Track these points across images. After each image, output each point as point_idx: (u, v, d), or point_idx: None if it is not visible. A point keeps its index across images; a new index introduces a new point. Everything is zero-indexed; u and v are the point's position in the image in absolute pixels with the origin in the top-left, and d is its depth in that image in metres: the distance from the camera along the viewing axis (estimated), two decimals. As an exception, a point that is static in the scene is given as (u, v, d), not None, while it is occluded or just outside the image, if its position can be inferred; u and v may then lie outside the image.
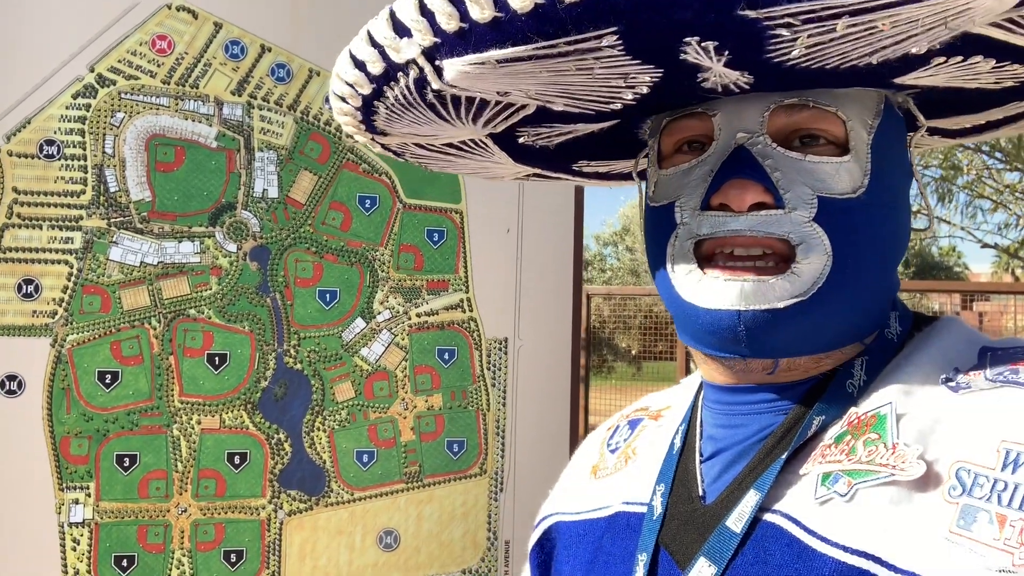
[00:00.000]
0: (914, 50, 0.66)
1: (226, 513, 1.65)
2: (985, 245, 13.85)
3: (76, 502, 1.58)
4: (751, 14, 0.60)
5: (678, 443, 0.90)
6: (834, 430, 0.77)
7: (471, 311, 1.78)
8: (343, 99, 0.85)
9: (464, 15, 0.65)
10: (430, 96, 0.78)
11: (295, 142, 1.70)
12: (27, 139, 1.58)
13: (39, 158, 1.58)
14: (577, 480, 1.04)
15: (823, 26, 0.61)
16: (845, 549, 0.68)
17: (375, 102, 0.83)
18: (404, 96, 0.79)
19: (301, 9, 1.71)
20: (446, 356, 1.77)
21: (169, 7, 1.64)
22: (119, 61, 1.62)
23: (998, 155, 11.86)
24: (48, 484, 1.57)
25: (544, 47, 0.66)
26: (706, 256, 0.79)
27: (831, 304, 0.76)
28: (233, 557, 1.65)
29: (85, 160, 1.61)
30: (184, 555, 1.62)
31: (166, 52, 1.64)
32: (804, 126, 0.78)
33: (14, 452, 1.56)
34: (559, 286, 1.85)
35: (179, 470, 1.63)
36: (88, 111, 1.60)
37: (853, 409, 0.77)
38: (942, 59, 0.70)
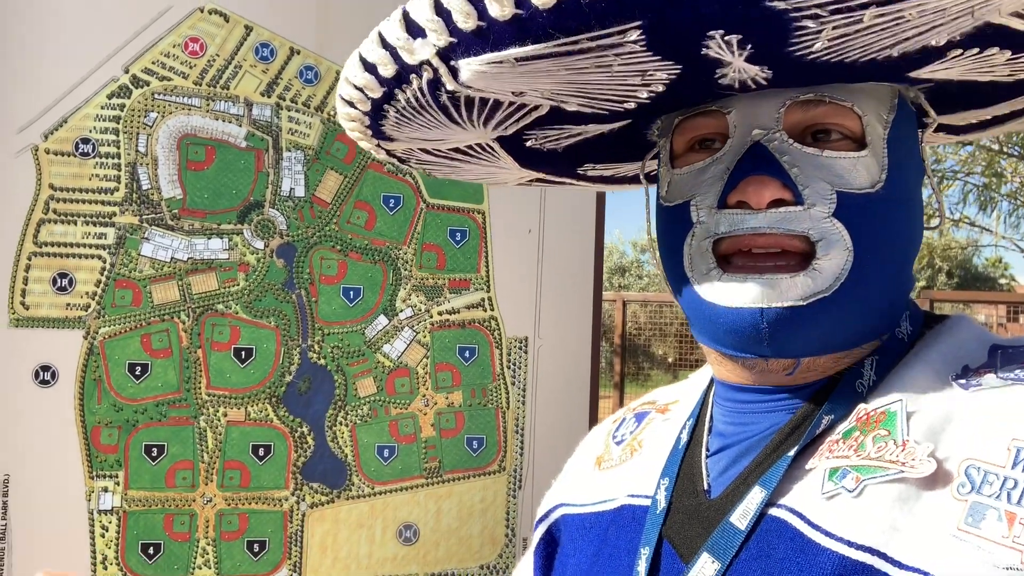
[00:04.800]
0: (934, 42, 0.65)
1: (250, 504, 1.69)
2: (1031, 255, 13.55)
3: (105, 490, 1.63)
4: (780, 5, 0.59)
5: (684, 438, 0.90)
6: (842, 426, 0.76)
7: (492, 310, 1.81)
8: (351, 104, 0.85)
9: (482, 13, 0.64)
10: (444, 98, 0.77)
11: (322, 143, 1.74)
12: (63, 137, 1.63)
13: (75, 156, 1.64)
14: (581, 471, 1.04)
15: (850, 17, 0.61)
16: (850, 544, 0.68)
17: (385, 106, 0.82)
18: (417, 99, 0.78)
19: (330, 13, 1.75)
20: (467, 354, 1.80)
21: (201, 10, 1.69)
22: (153, 63, 1.67)
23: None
24: (79, 472, 1.62)
25: (565, 44, 0.65)
26: (724, 255, 0.78)
27: (853, 300, 0.76)
28: (256, 547, 1.69)
29: (119, 158, 1.66)
30: (208, 544, 1.66)
31: (198, 54, 1.69)
32: (820, 121, 0.77)
33: (47, 440, 1.61)
34: (580, 286, 1.86)
35: (205, 461, 1.67)
36: (122, 111, 1.65)
37: (862, 405, 0.76)
38: (959, 51, 0.69)
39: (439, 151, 0.96)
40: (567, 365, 1.84)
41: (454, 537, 1.78)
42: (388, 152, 0.98)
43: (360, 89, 0.81)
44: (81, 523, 1.62)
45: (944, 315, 0.86)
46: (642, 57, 0.68)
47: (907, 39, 0.65)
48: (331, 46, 1.74)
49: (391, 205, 1.77)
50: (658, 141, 0.91)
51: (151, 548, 1.64)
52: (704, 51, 0.67)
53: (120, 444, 1.64)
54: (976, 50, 0.69)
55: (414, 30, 0.70)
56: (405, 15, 0.70)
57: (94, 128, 1.64)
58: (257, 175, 1.71)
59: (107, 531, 1.63)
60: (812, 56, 0.67)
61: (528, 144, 0.94)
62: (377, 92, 0.80)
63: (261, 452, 1.70)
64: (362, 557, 1.73)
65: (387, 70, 0.76)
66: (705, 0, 0.60)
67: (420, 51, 0.71)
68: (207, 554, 1.66)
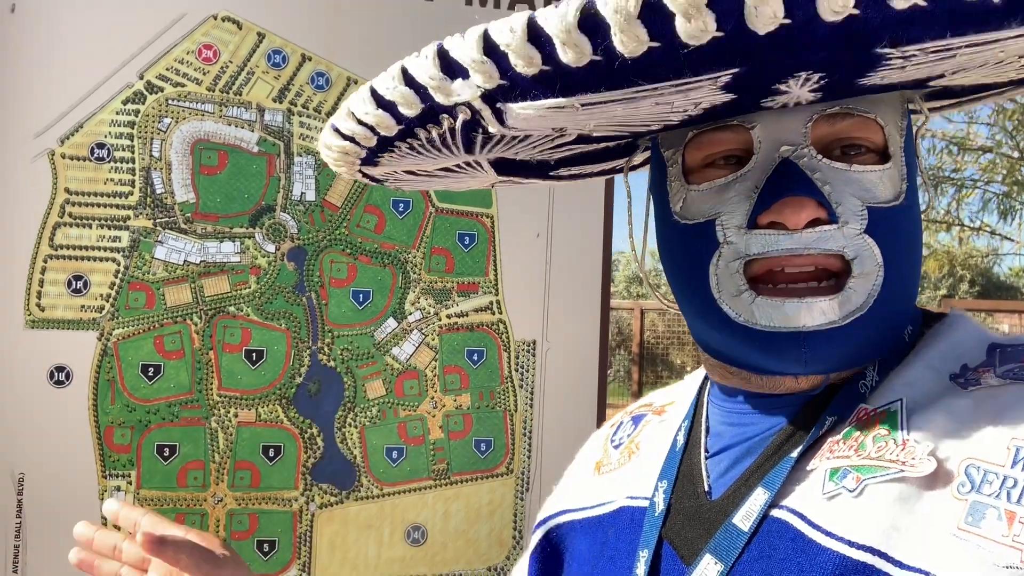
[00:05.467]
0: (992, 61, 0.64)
1: (260, 504, 1.71)
2: (1053, 264, 13.44)
3: (118, 489, 1.66)
4: (890, 51, 0.57)
5: (681, 439, 0.90)
6: (843, 426, 0.76)
7: (500, 313, 1.82)
8: (351, 139, 0.80)
9: (549, 57, 0.59)
10: (479, 138, 0.73)
11: (332, 147, 1.76)
12: (79, 143, 1.66)
13: (90, 161, 1.67)
14: (581, 476, 1.04)
15: (944, 56, 0.58)
16: (850, 544, 0.68)
17: (398, 142, 0.77)
18: (442, 137, 0.74)
19: (341, 20, 1.77)
20: (475, 357, 1.81)
21: (215, 18, 1.72)
22: (167, 69, 1.70)
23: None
24: (92, 471, 1.65)
25: (645, 90, 0.61)
26: (756, 276, 0.76)
27: (884, 314, 0.75)
28: (266, 547, 1.71)
29: (133, 163, 1.69)
30: (219, 543, 1.68)
31: (212, 61, 1.72)
32: (846, 135, 0.75)
33: (61, 440, 1.64)
34: (588, 289, 1.87)
35: (216, 461, 1.69)
36: (137, 116, 1.68)
37: (862, 405, 0.76)
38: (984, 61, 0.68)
39: (424, 171, 0.92)
40: (575, 368, 1.85)
41: (462, 539, 1.79)
42: (365, 175, 0.94)
43: (369, 126, 0.76)
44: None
45: (942, 313, 0.85)
46: (708, 92, 0.64)
47: (972, 67, 0.63)
48: (342, 52, 1.76)
49: (400, 209, 1.79)
50: (663, 151, 0.87)
51: (162, 547, 1.66)
52: (777, 86, 0.64)
53: (133, 444, 1.66)
54: (999, 61, 0.67)
55: (453, 69, 0.64)
56: (444, 53, 0.64)
57: (109, 133, 1.67)
58: (269, 179, 1.74)
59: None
60: (874, 84, 0.66)
61: (520, 157, 0.92)
62: (392, 131, 0.75)
63: (271, 453, 1.72)
64: (371, 558, 1.75)
65: (410, 109, 0.70)
66: (814, 48, 0.56)
67: (460, 92, 0.65)
68: (217, 553, 1.68)
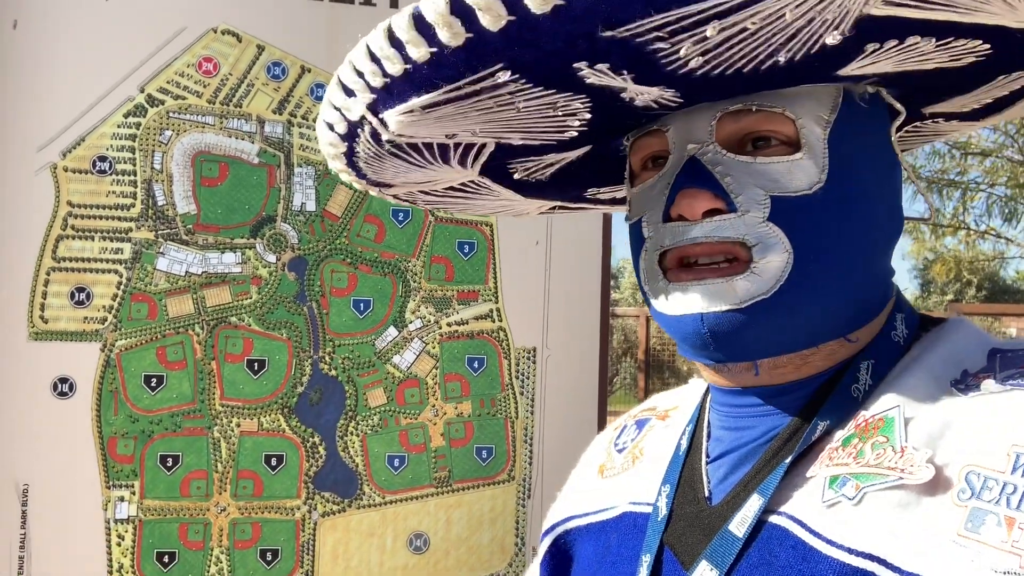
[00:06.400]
0: (829, 41, 0.66)
1: (263, 513, 1.72)
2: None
3: (122, 499, 1.67)
4: (609, 34, 0.62)
5: (684, 444, 0.90)
6: (841, 433, 0.76)
7: (500, 321, 1.83)
8: (334, 157, 0.92)
9: (384, 71, 0.71)
10: (387, 146, 0.83)
11: (332, 158, 1.77)
12: (81, 156, 1.68)
13: (92, 173, 1.68)
14: (585, 480, 1.05)
15: (695, 34, 0.62)
16: (850, 551, 0.68)
17: (353, 157, 0.89)
18: (368, 149, 0.85)
19: (339, 32, 1.79)
20: (476, 365, 1.82)
21: (215, 31, 1.74)
22: (168, 82, 1.72)
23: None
24: (96, 482, 1.66)
25: (451, 90, 0.70)
26: (671, 266, 0.80)
27: (797, 301, 0.76)
28: (269, 556, 1.71)
29: (135, 175, 1.70)
30: (222, 552, 1.69)
31: (212, 73, 1.73)
32: (753, 129, 0.78)
33: (65, 451, 1.65)
34: (587, 296, 1.88)
35: (219, 470, 1.70)
36: (138, 129, 1.70)
37: (861, 412, 0.76)
38: (876, 45, 0.69)
39: (436, 191, 1.00)
40: (575, 374, 1.86)
41: (464, 546, 1.79)
42: (394, 196, 1.04)
43: (331, 145, 0.88)
44: (98, 532, 1.66)
45: (941, 318, 0.85)
46: (537, 92, 0.72)
47: (788, 42, 0.66)
48: (341, 64, 1.78)
49: (400, 218, 1.80)
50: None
51: (166, 556, 1.67)
52: (588, 80, 0.70)
53: (136, 454, 1.67)
54: (895, 41, 0.69)
55: (347, 90, 0.76)
56: (339, 79, 0.77)
57: (111, 146, 1.69)
58: (269, 190, 1.75)
59: (123, 540, 1.66)
60: (699, 71, 0.69)
61: (516, 176, 0.97)
62: (341, 147, 0.87)
63: (274, 462, 1.73)
64: (373, 565, 1.75)
65: (340, 127, 0.83)
66: (544, 39, 0.63)
67: (355, 108, 0.78)
68: (221, 562, 1.69)
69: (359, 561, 1.75)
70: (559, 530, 1.03)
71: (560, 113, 0.78)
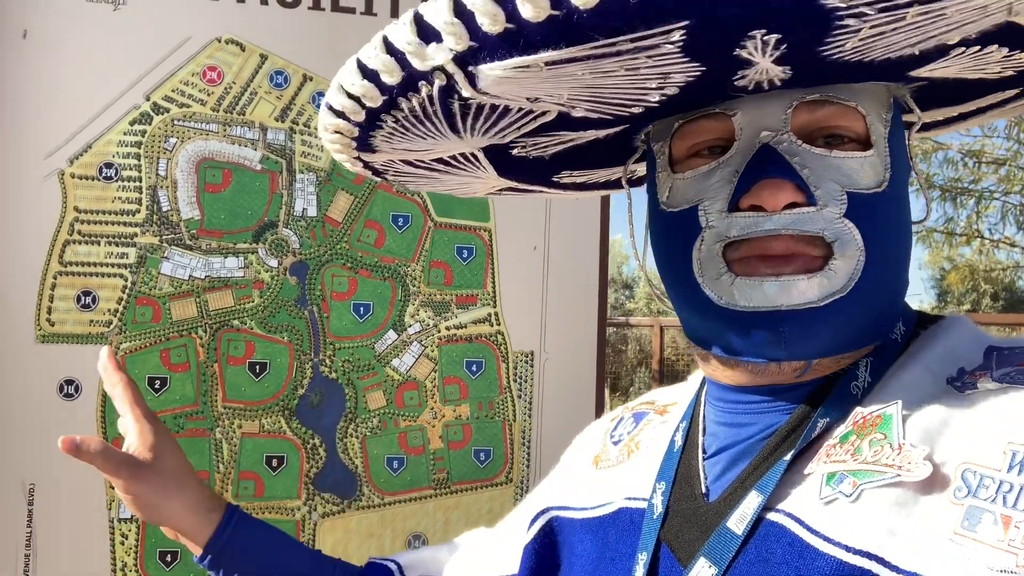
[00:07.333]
0: (956, 39, 0.65)
1: (264, 513, 1.74)
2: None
3: (126, 499, 1.70)
4: (832, 2, 0.58)
5: (679, 440, 0.89)
6: (839, 430, 0.75)
7: (499, 325, 1.85)
8: (341, 115, 0.81)
9: (511, 15, 0.60)
10: (455, 106, 0.74)
11: (333, 165, 1.81)
12: (88, 162, 1.72)
13: (98, 180, 1.72)
14: (578, 469, 1.03)
15: (894, 15, 0.59)
16: (847, 549, 0.67)
17: (384, 115, 0.79)
18: (423, 107, 0.75)
19: (340, 41, 1.82)
20: (474, 368, 1.84)
21: (219, 40, 1.77)
22: (173, 91, 1.75)
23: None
24: (100, 482, 1.69)
25: (602, 46, 0.62)
26: (737, 259, 0.77)
27: (865, 300, 0.75)
28: (269, 555, 1.74)
29: (140, 182, 1.74)
30: (224, 552, 1.72)
31: (216, 82, 1.77)
32: (826, 123, 0.77)
33: (71, 451, 1.68)
34: (585, 300, 1.90)
35: (221, 471, 1.73)
36: (144, 137, 1.74)
37: (859, 409, 0.75)
38: (962, 49, 0.68)
39: (421, 162, 0.94)
40: (573, 377, 1.88)
41: (462, 547, 1.81)
42: (365, 164, 0.96)
43: (356, 99, 0.77)
44: (102, 531, 1.69)
45: (939, 315, 0.85)
46: (671, 59, 0.65)
47: (931, 37, 0.64)
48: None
49: (400, 224, 1.83)
50: (653, 146, 0.89)
51: (168, 555, 1.70)
52: (737, 51, 0.65)
53: (140, 455, 1.70)
54: (978, 48, 0.69)
55: (428, 34, 0.65)
56: (418, 18, 0.65)
57: (117, 153, 1.73)
58: (271, 196, 1.79)
59: (126, 539, 1.69)
60: (838, 56, 0.67)
61: (515, 153, 0.93)
62: (377, 101, 0.76)
63: (274, 463, 1.75)
64: (372, 566, 1.77)
65: (392, 77, 0.72)
66: None
67: (434, 56, 0.67)
68: (222, 562, 1.71)
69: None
70: (552, 514, 1.02)
71: (655, 86, 0.72)
